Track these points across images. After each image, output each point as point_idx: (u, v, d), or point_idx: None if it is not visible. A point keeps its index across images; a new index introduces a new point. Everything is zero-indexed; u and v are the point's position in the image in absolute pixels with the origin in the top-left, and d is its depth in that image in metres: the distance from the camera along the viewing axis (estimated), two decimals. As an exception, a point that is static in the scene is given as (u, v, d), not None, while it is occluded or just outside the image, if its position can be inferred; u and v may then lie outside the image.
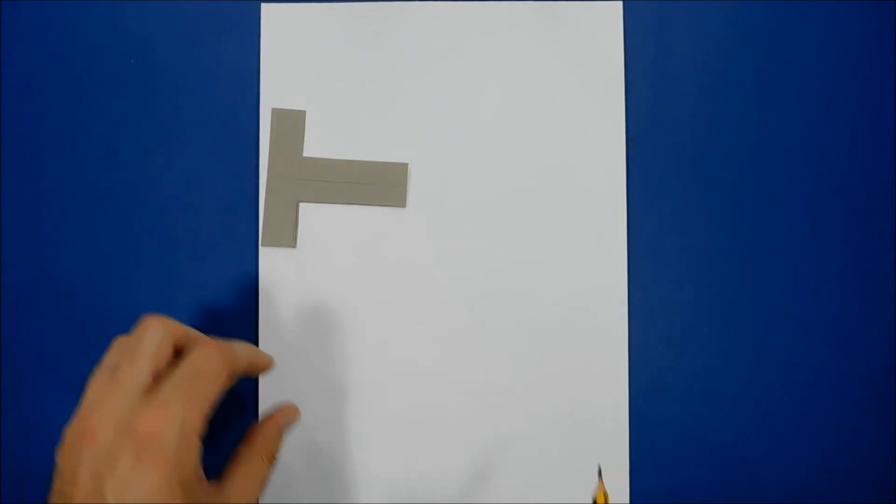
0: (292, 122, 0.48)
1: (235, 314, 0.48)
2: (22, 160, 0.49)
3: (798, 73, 0.49)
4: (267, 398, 0.48)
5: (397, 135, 0.49)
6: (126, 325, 0.48)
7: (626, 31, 0.49)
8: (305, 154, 0.49)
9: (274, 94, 0.49)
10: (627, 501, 0.48)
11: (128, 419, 0.35)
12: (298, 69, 0.49)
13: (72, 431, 0.36)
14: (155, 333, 0.37)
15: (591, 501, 0.43)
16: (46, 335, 0.48)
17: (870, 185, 0.49)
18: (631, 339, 0.49)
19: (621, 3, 0.49)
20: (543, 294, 0.48)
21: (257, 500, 0.39)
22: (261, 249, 0.48)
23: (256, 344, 0.48)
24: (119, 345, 0.38)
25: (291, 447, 0.48)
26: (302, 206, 0.48)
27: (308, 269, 0.48)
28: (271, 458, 0.41)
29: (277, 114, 0.48)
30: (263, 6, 0.49)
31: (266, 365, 0.43)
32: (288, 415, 0.43)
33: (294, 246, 0.48)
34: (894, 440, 0.49)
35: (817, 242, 0.49)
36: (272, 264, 0.48)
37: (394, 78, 0.49)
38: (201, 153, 0.49)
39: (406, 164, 0.49)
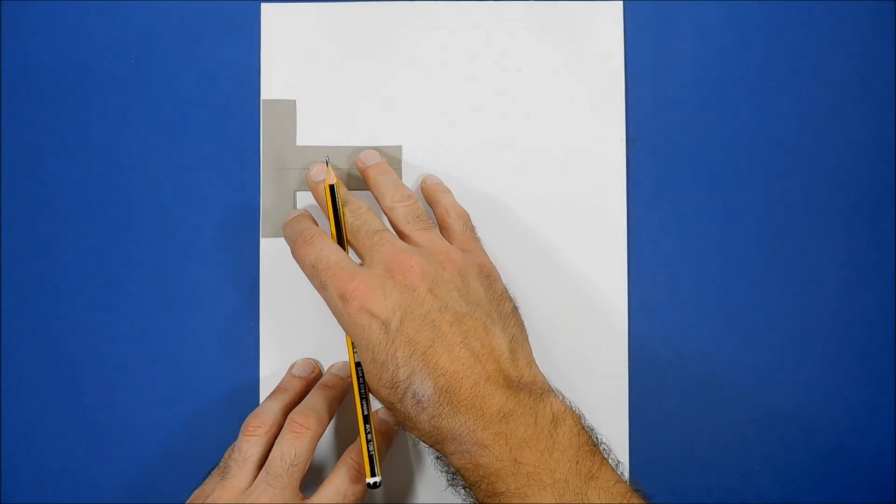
0: (283, 112, 0.49)
1: (238, 304, 0.48)
2: (23, 159, 0.49)
3: (798, 73, 0.49)
4: (269, 384, 0.48)
5: (394, 131, 0.49)
6: (128, 320, 0.48)
7: (626, 31, 0.49)
8: (299, 143, 0.49)
9: (274, 90, 0.49)
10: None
11: None
12: (298, 67, 0.49)
13: None
14: (258, 443, 0.43)
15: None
16: (47, 333, 0.48)
17: (870, 185, 0.49)
18: (631, 339, 0.49)
19: (621, 3, 0.49)
20: (543, 294, 0.48)
21: None
22: (262, 240, 0.48)
23: (258, 333, 0.48)
24: (230, 450, 0.45)
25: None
26: (299, 194, 0.49)
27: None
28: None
29: (268, 105, 0.49)
30: (263, 6, 0.49)
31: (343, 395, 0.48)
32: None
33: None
34: (894, 440, 0.48)
35: (817, 242, 0.49)
36: (273, 254, 0.48)
37: (393, 77, 0.49)
38: (203, 150, 0.49)
39: (400, 146, 0.49)
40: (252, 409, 0.45)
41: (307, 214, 0.46)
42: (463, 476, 0.39)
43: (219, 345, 0.48)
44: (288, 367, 0.48)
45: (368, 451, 0.42)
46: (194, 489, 0.44)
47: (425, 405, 0.39)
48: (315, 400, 0.45)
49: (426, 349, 0.39)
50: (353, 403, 0.43)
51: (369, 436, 0.43)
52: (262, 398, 0.48)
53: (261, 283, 0.48)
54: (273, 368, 0.48)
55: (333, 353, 0.48)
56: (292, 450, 0.42)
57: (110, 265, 0.49)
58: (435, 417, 0.39)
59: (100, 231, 0.49)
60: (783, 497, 0.48)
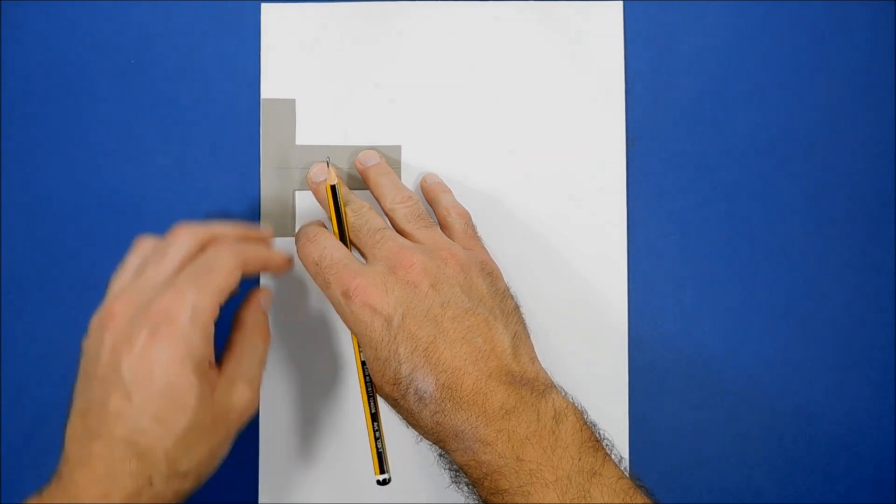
0: (283, 112, 0.49)
1: (238, 303, 0.48)
2: (23, 159, 0.49)
3: (798, 73, 0.49)
4: (268, 385, 0.48)
5: (393, 131, 0.49)
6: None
7: (626, 31, 0.49)
8: (298, 143, 0.49)
9: (274, 90, 0.49)
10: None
11: (146, 304, 0.39)
12: (298, 67, 0.49)
13: (97, 318, 0.40)
14: (185, 241, 0.42)
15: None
16: (47, 333, 0.48)
17: (870, 185, 0.49)
18: (631, 339, 0.49)
19: (621, 3, 0.49)
20: (543, 294, 0.48)
21: (260, 380, 0.42)
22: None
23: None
24: (145, 246, 0.43)
25: (292, 433, 0.48)
26: (299, 194, 0.49)
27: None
28: (267, 339, 0.43)
29: (267, 104, 0.49)
30: (263, 6, 0.49)
31: (280, 265, 0.45)
32: (266, 298, 0.45)
33: (293, 235, 0.48)
34: (894, 440, 0.48)
35: (817, 242, 0.49)
36: None
37: (393, 77, 0.49)
38: (203, 150, 0.49)
39: (399, 147, 0.49)
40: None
41: (318, 220, 0.46)
42: (465, 473, 0.39)
43: (218, 344, 0.48)
44: (288, 365, 0.48)
45: (377, 448, 0.42)
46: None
47: (427, 402, 0.39)
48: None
49: (428, 345, 0.39)
50: (359, 402, 0.43)
51: (377, 433, 0.43)
52: (261, 397, 0.48)
53: (261, 282, 0.48)
54: (273, 368, 0.48)
55: (334, 352, 0.48)
56: (214, 257, 0.41)
57: (110, 265, 0.48)
58: (437, 414, 0.39)
59: (100, 231, 0.49)
60: (783, 497, 0.48)
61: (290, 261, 0.46)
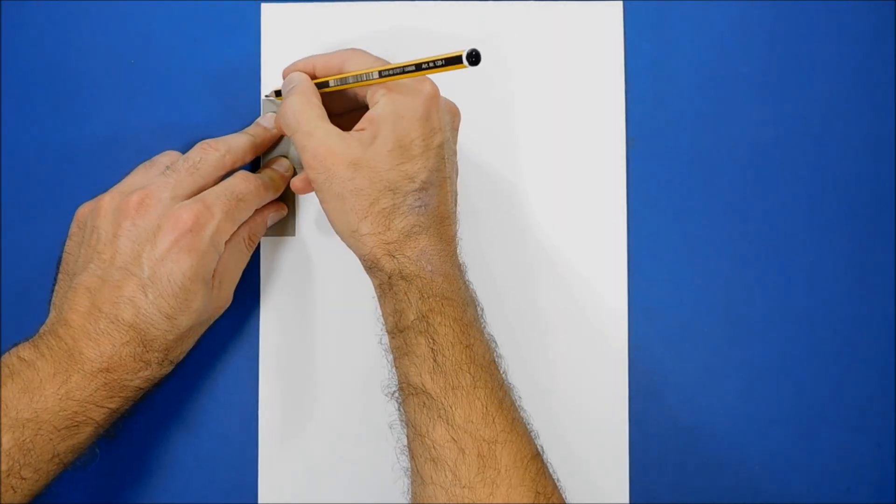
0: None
1: (238, 303, 0.48)
2: (22, 159, 0.49)
3: (798, 73, 0.49)
4: (268, 382, 0.48)
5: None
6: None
7: (626, 31, 0.49)
8: None
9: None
10: (627, 501, 0.48)
11: (175, 210, 0.41)
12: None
13: (120, 200, 0.42)
14: (216, 165, 0.44)
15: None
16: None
17: (870, 185, 0.49)
18: (631, 339, 0.49)
19: (621, 3, 0.49)
20: (543, 294, 0.48)
21: (237, 280, 0.45)
22: (262, 240, 0.48)
23: (258, 332, 0.48)
24: (171, 154, 0.45)
25: (292, 433, 0.48)
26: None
27: (310, 256, 0.49)
28: (253, 244, 0.46)
29: (267, 104, 0.49)
30: (263, 6, 0.49)
31: (279, 216, 0.48)
32: (277, 211, 0.47)
33: (294, 234, 0.48)
34: (894, 440, 0.48)
35: (817, 242, 0.49)
36: (273, 254, 0.48)
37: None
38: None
39: None
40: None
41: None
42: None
43: (218, 343, 0.48)
44: (288, 366, 0.48)
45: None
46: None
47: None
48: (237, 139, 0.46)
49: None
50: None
51: None
52: (261, 397, 0.48)
53: (261, 282, 0.48)
54: (273, 368, 0.48)
55: (334, 351, 0.48)
56: (198, 157, 0.44)
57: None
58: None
59: (100, 231, 0.48)
60: (783, 497, 0.48)
61: (285, 209, 0.48)
